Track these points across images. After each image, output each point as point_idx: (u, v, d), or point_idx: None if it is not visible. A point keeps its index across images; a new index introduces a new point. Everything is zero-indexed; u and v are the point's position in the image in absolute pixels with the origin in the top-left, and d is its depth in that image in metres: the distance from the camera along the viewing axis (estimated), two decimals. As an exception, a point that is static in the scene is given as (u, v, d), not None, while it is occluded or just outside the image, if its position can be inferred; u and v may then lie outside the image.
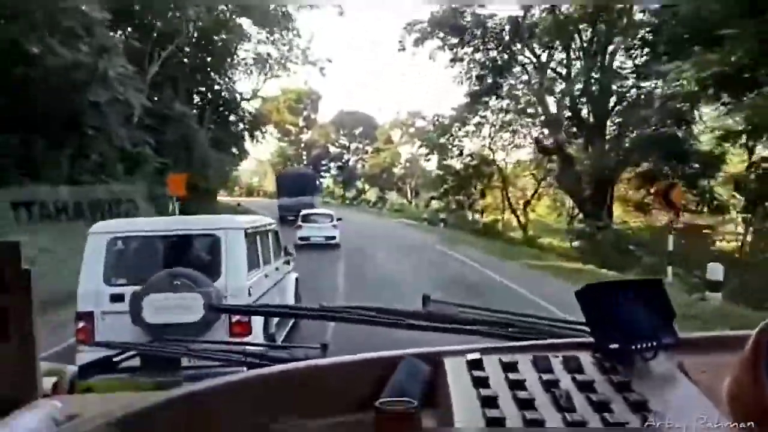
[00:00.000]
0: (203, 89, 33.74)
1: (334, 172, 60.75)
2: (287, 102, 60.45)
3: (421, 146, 33.99)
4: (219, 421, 0.92)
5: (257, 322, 4.48)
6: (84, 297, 4.33)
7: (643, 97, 20.42)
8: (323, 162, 60.05)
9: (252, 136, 42.40)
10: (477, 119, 32.37)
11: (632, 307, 1.01)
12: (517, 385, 0.89)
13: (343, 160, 58.75)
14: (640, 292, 1.04)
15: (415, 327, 1.44)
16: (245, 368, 1.22)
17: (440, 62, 52.58)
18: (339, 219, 19.05)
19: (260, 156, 58.37)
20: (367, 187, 56.95)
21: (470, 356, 0.99)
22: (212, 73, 33.75)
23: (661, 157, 19.13)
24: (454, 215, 32.91)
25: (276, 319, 5.22)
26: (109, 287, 4.35)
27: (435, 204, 36.00)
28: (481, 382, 0.90)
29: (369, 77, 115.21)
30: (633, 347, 0.97)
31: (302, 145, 61.82)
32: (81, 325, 4.27)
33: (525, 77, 29.77)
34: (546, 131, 26.82)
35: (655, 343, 0.98)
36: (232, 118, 44.67)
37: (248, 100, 48.11)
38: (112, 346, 1.52)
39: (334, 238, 17.33)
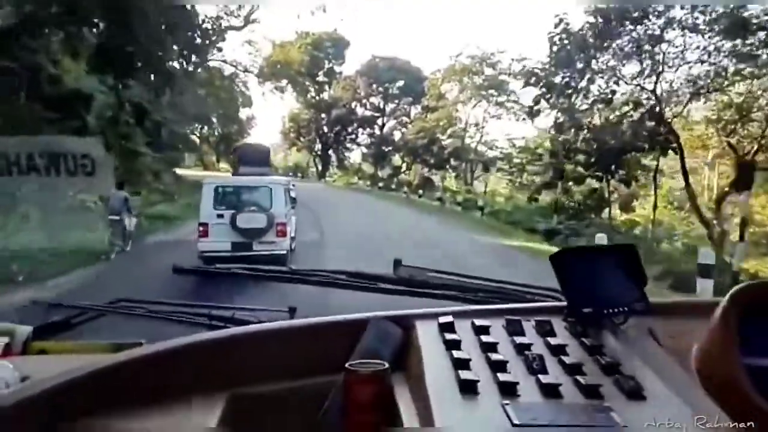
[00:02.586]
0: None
1: (363, 142, 44.96)
2: (302, 47, 45.04)
3: (525, 84, 18.09)
4: (177, 383, 0.89)
5: (290, 227, 9.14)
6: (203, 215, 8.43)
7: None
8: (348, 129, 44.38)
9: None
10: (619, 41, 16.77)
11: (605, 273, 1.00)
12: (489, 348, 0.88)
13: (376, 126, 42.86)
14: (613, 258, 1.03)
15: (387, 291, 1.46)
16: (210, 330, 1.15)
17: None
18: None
19: (273, 119, 43.64)
20: (406, 163, 41.24)
21: (442, 319, 0.98)
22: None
23: None
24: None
25: (294, 226, 9.96)
26: (215, 210, 8.40)
27: (544, 195, 19.99)
28: (453, 345, 0.89)
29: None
30: (605, 312, 0.98)
31: (322, 105, 46.44)
32: (201, 228, 8.38)
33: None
34: None
35: (626, 309, 0.99)
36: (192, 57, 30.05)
37: (238, 28, 33.24)
38: (69, 307, 1.45)
39: None
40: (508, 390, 0.78)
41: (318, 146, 49.43)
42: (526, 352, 0.88)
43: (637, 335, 0.98)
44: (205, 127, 35.06)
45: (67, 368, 0.83)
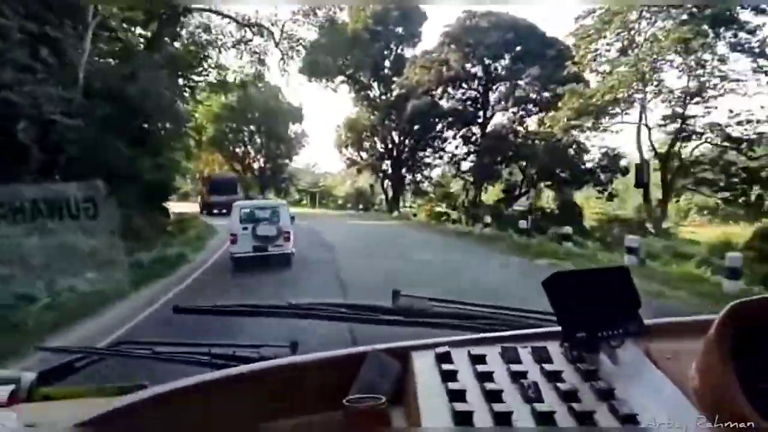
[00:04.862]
0: None
1: (456, 151, 29.31)
2: (359, 22, 31.04)
3: None
4: (182, 424, 0.91)
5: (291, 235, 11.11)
6: (232, 228, 10.93)
7: None
8: (430, 132, 29.18)
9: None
10: None
11: (599, 295, 1.00)
12: (485, 378, 0.90)
13: (474, 126, 27.30)
14: (606, 280, 1.03)
15: (386, 322, 1.46)
16: (211, 369, 1.17)
17: None
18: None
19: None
20: (530, 179, 25.32)
21: (439, 350, 0.99)
22: None
23: None
24: None
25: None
26: (241, 224, 10.80)
27: None
28: (449, 376, 0.91)
29: None
30: (600, 335, 0.98)
31: (390, 104, 32.01)
32: (231, 237, 10.82)
33: None
34: None
35: (621, 331, 0.99)
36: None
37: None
38: (72, 351, 1.46)
39: None
40: (503, 420, 0.79)
41: (386, 163, 34.90)
42: (522, 380, 0.88)
43: (634, 358, 0.97)
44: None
45: (72, 414, 0.84)
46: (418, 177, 34.55)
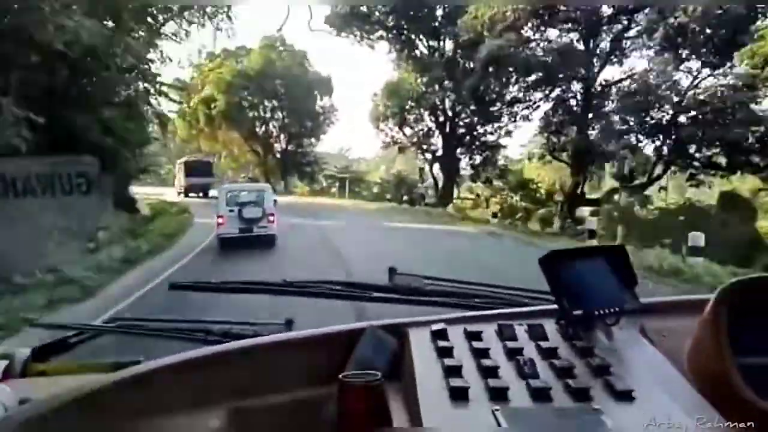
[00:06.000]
0: None
1: (546, 116, 20.83)
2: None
3: None
4: (175, 399, 0.91)
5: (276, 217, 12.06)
6: (220, 210, 11.58)
7: None
8: (500, 95, 20.82)
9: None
10: None
11: (595, 274, 1.01)
12: (481, 354, 0.90)
13: (575, 83, 18.87)
14: (603, 259, 1.03)
15: (382, 299, 1.46)
16: (207, 346, 1.17)
17: None
18: None
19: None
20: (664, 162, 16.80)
21: (435, 327, 1.00)
22: None
23: None
24: None
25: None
26: (227, 207, 11.54)
27: None
28: (445, 352, 0.91)
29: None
30: (596, 313, 0.98)
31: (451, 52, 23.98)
32: (218, 220, 11.56)
33: None
34: None
35: (617, 309, 0.99)
36: None
37: None
38: (67, 327, 1.46)
39: None
40: (499, 395, 0.80)
41: (437, 140, 26.92)
42: (518, 357, 0.89)
43: (629, 335, 0.98)
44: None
45: (66, 389, 0.85)
46: (477, 159, 26.45)
